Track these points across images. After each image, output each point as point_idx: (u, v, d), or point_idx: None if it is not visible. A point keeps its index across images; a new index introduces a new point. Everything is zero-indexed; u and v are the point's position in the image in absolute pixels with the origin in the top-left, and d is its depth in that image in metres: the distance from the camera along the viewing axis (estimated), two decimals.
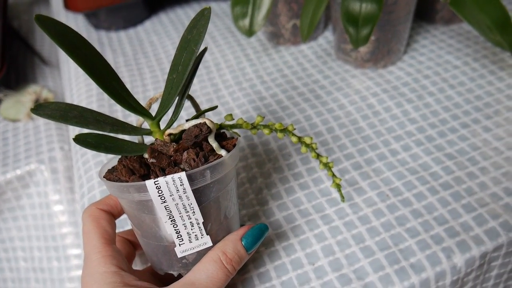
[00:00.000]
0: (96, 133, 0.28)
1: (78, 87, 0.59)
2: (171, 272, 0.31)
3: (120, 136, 0.31)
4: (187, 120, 0.31)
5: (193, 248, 0.30)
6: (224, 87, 0.55)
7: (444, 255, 0.35)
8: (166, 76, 0.58)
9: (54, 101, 0.28)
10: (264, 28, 0.61)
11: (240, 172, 0.44)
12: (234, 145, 0.31)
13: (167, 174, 0.28)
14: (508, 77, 0.51)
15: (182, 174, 0.27)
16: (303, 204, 0.40)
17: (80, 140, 0.27)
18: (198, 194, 0.29)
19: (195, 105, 0.35)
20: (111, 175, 0.30)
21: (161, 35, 0.67)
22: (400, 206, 0.39)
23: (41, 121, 0.61)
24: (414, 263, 0.35)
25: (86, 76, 0.60)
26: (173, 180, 0.27)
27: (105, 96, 0.56)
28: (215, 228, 0.31)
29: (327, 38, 0.61)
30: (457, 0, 0.43)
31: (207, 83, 0.56)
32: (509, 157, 0.42)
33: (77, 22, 0.72)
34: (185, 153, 0.29)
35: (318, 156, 0.35)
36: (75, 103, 0.58)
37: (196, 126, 0.30)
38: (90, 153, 0.49)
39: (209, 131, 0.30)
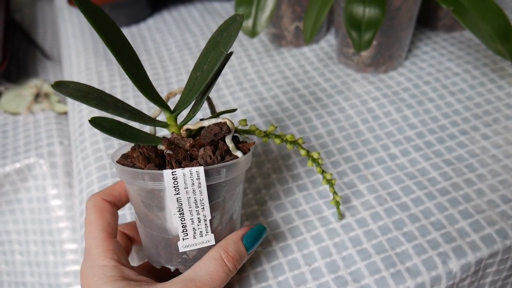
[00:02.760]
0: (111, 118, 0.28)
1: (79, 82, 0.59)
2: (169, 266, 0.31)
3: (137, 125, 0.31)
4: (201, 119, 0.32)
5: (196, 245, 0.30)
6: (225, 86, 0.55)
7: (440, 260, 0.35)
8: (167, 74, 0.58)
9: (74, 81, 0.28)
10: (267, 29, 0.62)
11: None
12: (250, 149, 0.32)
13: (183, 167, 0.28)
14: (508, 86, 0.51)
15: (200, 169, 0.28)
16: (301, 205, 0.41)
17: (95, 122, 0.27)
18: (210, 191, 0.29)
19: (211, 106, 0.35)
20: (125, 161, 0.31)
21: (164, 33, 0.67)
22: (398, 210, 0.39)
23: (41, 115, 0.61)
24: (410, 267, 0.35)
25: (89, 71, 0.60)
26: (191, 173, 0.28)
27: (107, 91, 0.56)
28: (220, 228, 0.31)
29: (329, 42, 0.62)
30: (460, 8, 0.44)
31: None
32: (507, 165, 0.42)
33: (80, 18, 0.72)
34: (201, 149, 0.30)
35: (323, 172, 0.36)
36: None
37: (216, 124, 0.30)
38: (89, 148, 0.49)
39: (229, 131, 0.30)
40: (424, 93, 0.51)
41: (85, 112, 0.54)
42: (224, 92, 0.55)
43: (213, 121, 0.30)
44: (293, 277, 0.35)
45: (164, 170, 0.28)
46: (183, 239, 0.29)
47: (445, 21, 0.61)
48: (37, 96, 0.63)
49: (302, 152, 0.35)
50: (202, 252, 0.30)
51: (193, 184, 0.28)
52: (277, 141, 0.35)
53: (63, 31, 0.72)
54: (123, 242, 0.34)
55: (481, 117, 0.48)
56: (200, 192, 0.28)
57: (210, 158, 0.29)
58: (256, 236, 0.32)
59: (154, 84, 0.56)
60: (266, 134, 0.35)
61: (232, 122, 0.31)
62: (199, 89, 0.31)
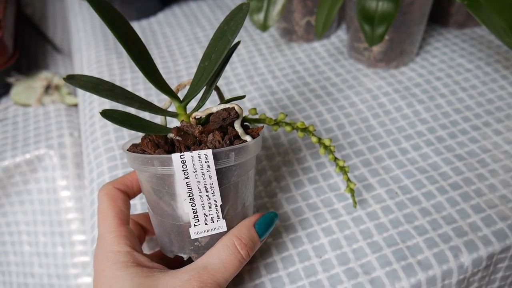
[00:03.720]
0: (122, 110, 0.29)
1: (90, 74, 0.59)
2: (181, 255, 0.31)
3: (147, 116, 0.31)
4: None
5: (207, 231, 0.30)
6: (235, 80, 0.55)
7: (451, 254, 0.35)
8: (177, 67, 0.58)
9: (85, 74, 0.29)
10: (278, 24, 0.62)
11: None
12: (259, 134, 0.32)
13: (192, 151, 0.29)
14: None
15: (209, 151, 0.28)
16: (311, 198, 0.41)
17: (106, 114, 0.27)
18: (220, 175, 0.29)
19: (220, 96, 0.35)
20: (135, 149, 0.31)
21: (174, 27, 0.67)
22: (409, 204, 0.39)
23: (51, 107, 0.62)
24: (421, 260, 0.35)
25: (99, 64, 0.60)
26: (199, 156, 0.28)
27: (117, 84, 0.56)
28: (231, 214, 0.31)
29: (340, 37, 0.62)
30: (474, 3, 0.43)
31: None
32: None
33: (90, 12, 0.73)
34: (210, 135, 0.30)
35: (335, 159, 0.35)
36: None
37: (224, 109, 0.30)
38: (100, 139, 0.49)
39: (237, 116, 0.30)
40: (435, 89, 0.51)
41: (95, 103, 0.54)
42: (235, 85, 0.55)
43: (222, 106, 0.31)
44: (303, 269, 0.35)
45: (172, 154, 0.28)
46: (195, 225, 0.29)
47: (456, 17, 0.60)
48: (48, 88, 0.63)
49: (314, 139, 0.35)
50: (214, 239, 0.30)
51: (202, 167, 0.28)
52: (288, 128, 0.35)
53: (73, 24, 0.72)
54: (137, 231, 0.34)
55: (493, 113, 0.47)
56: (210, 176, 0.28)
57: (219, 142, 0.29)
58: (269, 223, 0.32)
59: (164, 77, 0.57)
60: (277, 122, 0.35)
61: (240, 107, 0.31)
62: (207, 78, 0.31)
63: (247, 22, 0.66)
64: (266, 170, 0.43)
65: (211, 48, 0.32)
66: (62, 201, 0.56)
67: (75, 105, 0.63)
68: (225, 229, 0.30)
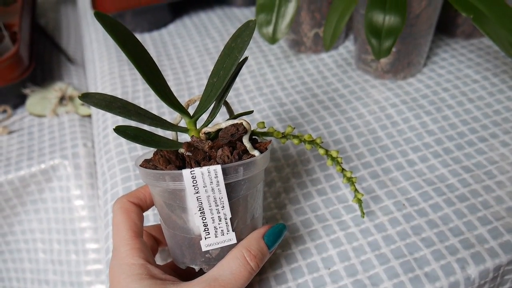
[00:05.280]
0: (135, 126, 0.30)
1: (103, 86, 0.61)
2: (193, 266, 0.32)
3: (159, 131, 0.32)
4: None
5: (218, 243, 0.31)
6: (245, 91, 0.56)
7: (458, 266, 0.36)
8: (188, 79, 0.60)
9: (99, 92, 0.30)
10: (286, 35, 0.63)
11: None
12: (267, 148, 0.33)
13: (202, 166, 0.29)
14: None
15: (218, 167, 0.29)
16: (320, 209, 0.41)
17: (120, 131, 0.29)
18: (229, 189, 0.30)
19: (229, 110, 0.36)
20: (147, 164, 0.32)
21: (185, 38, 0.69)
22: (416, 216, 0.40)
23: (65, 118, 0.63)
24: (429, 272, 0.35)
25: (112, 75, 0.61)
26: (209, 172, 0.29)
27: (130, 95, 0.58)
28: (241, 226, 0.32)
29: (347, 48, 0.62)
30: (480, 16, 0.44)
31: None
32: None
33: None
34: (219, 150, 0.31)
35: (342, 170, 0.36)
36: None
37: (233, 125, 0.31)
38: (113, 150, 0.50)
39: (245, 131, 0.31)
40: (443, 100, 0.52)
41: (108, 115, 0.56)
42: (244, 97, 0.56)
43: (230, 122, 0.32)
44: (312, 280, 0.36)
45: (183, 170, 0.29)
46: (205, 238, 0.30)
47: (464, 28, 0.61)
48: (62, 99, 0.65)
49: (321, 151, 0.35)
50: (225, 251, 0.31)
51: (212, 182, 0.29)
52: (296, 141, 0.35)
53: (86, 35, 0.74)
54: (150, 243, 0.35)
55: (500, 124, 0.48)
56: (219, 191, 0.29)
57: (228, 158, 0.30)
58: (277, 234, 0.33)
59: (175, 88, 0.58)
60: (284, 135, 0.36)
61: (248, 123, 0.32)
62: (216, 94, 0.32)
63: (256, 34, 0.67)
64: (275, 182, 0.44)
65: (219, 64, 0.33)
66: (76, 210, 0.57)
67: (89, 116, 0.64)
68: (235, 241, 0.31)
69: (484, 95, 0.52)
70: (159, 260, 0.40)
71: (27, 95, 0.65)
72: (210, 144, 0.31)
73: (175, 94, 0.58)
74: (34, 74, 0.67)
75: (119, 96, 0.58)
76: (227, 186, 0.30)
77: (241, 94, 0.56)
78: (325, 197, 0.42)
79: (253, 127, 0.38)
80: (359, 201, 0.37)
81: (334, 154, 0.36)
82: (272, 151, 0.48)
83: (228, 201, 0.30)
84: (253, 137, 0.35)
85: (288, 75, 0.58)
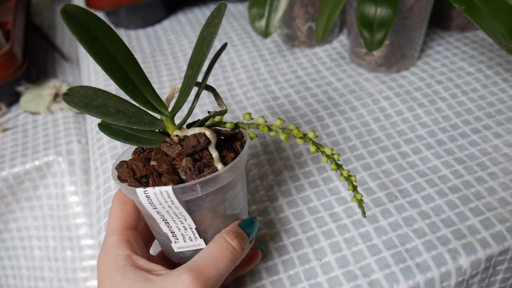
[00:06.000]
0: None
1: (96, 82, 0.61)
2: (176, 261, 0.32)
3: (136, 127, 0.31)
4: (189, 125, 0.32)
5: (188, 247, 0.31)
6: (238, 86, 0.56)
7: (449, 256, 0.36)
8: (182, 74, 0.60)
9: (85, 86, 0.29)
10: (280, 30, 0.63)
11: (252, 169, 0.45)
12: (234, 157, 0.30)
13: (161, 181, 0.28)
14: None
15: (169, 189, 0.27)
16: (312, 201, 0.41)
17: (103, 126, 0.28)
18: (190, 204, 0.29)
19: (217, 97, 0.33)
20: (119, 169, 0.31)
21: (179, 34, 0.69)
22: (408, 207, 0.40)
23: (59, 115, 0.63)
24: (420, 263, 0.35)
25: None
26: (161, 192, 0.27)
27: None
28: (213, 232, 0.31)
29: (341, 42, 0.62)
30: (472, 8, 0.44)
31: (222, 82, 0.57)
32: None
33: None
34: (184, 160, 0.29)
35: (338, 168, 0.33)
36: None
37: (194, 136, 0.29)
38: (107, 145, 0.50)
39: (208, 142, 0.29)
40: (436, 92, 0.52)
41: None
42: (238, 91, 0.56)
43: (197, 130, 0.29)
44: (303, 271, 0.36)
45: (137, 189, 0.28)
46: (175, 242, 0.30)
47: (458, 21, 0.61)
48: (56, 96, 0.65)
49: (312, 148, 0.32)
50: (197, 251, 0.31)
51: (166, 201, 0.28)
52: (282, 137, 0.32)
53: None
54: (146, 232, 0.35)
55: (493, 116, 0.48)
56: (176, 207, 0.28)
57: (190, 170, 0.28)
58: (250, 223, 0.32)
59: (169, 84, 0.58)
60: (271, 129, 0.33)
61: (212, 133, 0.29)
62: (190, 88, 0.30)
63: (249, 28, 0.67)
64: (268, 175, 0.44)
65: (194, 56, 0.31)
66: (70, 206, 0.57)
67: (83, 113, 0.64)
68: (204, 246, 0.31)
69: (477, 87, 0.52)
70: (155, 248, 0.40)
71: (21, 92, 0.65)
72: (179, 149, 0.29)
73: (169, 89, 0.58)
74: (28, 72, 0.67)
75: (113, 92, 0.57)
76: (187, 201, 0.28)
77: (234, 89, 0.56)
78: (317, 190, 0.42)
79: (241, 119, 0.37)
80: (359, 201, 0.34)
81: (328, 152, 0.33)
82: (265, 144, 0.48)
83: (190, 214, 0.29)
84: (237, 130, 0.33)
85: (281, 69, 0.58)
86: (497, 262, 0.37)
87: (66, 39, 0.80)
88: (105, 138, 0.51)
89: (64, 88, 0.65)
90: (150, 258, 0.32)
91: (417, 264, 0.35)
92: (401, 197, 0.41)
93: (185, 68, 0.61)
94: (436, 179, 0.42)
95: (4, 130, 0.62)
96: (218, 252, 0.29)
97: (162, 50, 0.65)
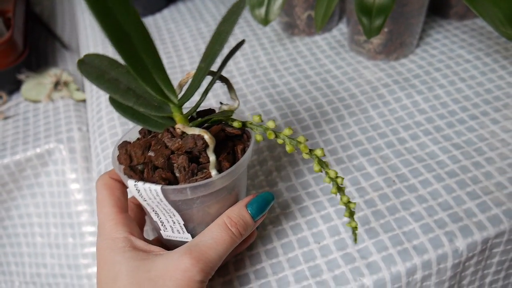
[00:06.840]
0: None
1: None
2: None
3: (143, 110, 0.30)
4: (203, 113, 0.32)
5: (176, 238, 0.31)
6: (238, 74, 0.57)
7: (446, 239, 0.36)
8: (182, 62, 0.60)
9: (101, 55, 0.28)
10: (280, 18, 0.63)
11: (252, 154, 0.45)
12: (232, 164, 0.30)
13: (155, 175, 0.28)
14: None
15: (158, 188, 0.27)
16: (311, 186, 0.42)
17: (113, 100, 0.28)
18: (179, 203, 0.29)
19: (230, 90, 0.33)
20: (120, 150, 0.31)
21: (179, 23, 0.69)
22: (406, 191, 0.40)
23: (60, 103, 0.63)
24: (417, 245, 0.36)
25: None
26: (150, 190, 0.27)
27: None
28: (201, 230, 0.31)
29: (341, 30, 0.62)
30: None
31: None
32: None
33: None
34: (180, 158, 0.28)
35: (339, 190, 0.31)
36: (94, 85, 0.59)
37: (193, 137, 0.28)
38: (107, 132, 0.50)
39: (205, 146, 0.28)
40: (434, 80, 0.52)
41: (102, 99, 0.56)
42: (237, 79, 0.56)
43: (197, 131, 0.28)
44: (302, 254, 0.36)
45: (128, 180, 0.28)
46: (164, 231, 0.31)
47: (457, 9, 0.61)
48: (57, 85, 0.65)
49: (316, 167, 0.31)
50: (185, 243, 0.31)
51: (155, 198, 0.28)
52: (288, 148, 0.30)
53: (81, 21, 0.74)
54: (137, 212, 0.35)
55: (491, 103, 0.48)
56: (165, 205, 0.28)
57: (184, 170, 0.28)
58: (261, 203, 0.32)
59: (169, 72, 0.58)
60: (277, 136, 0.31)
61: (211, 137, 0.28)
62: (201, 81, 0.29)
63: (249, 16, 0.67)
64: (267, 160, 0.45)
65: (209, 49, 0.30)
66: (71, 193, 0.58)
67: (83, 101, 0.64)
68: (191, 240, 0.30)
69: (476, 74, 0.52)
70: (151, 235, 0.40)
71: (22, 81, 0.65)
72: (179, 144, 0.29)
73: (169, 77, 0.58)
74: (29, 60, 0.67)
75: None
76: (177, 200, 0.28)
77: (234, 77, 0.56)
78: (316, 175, 0.43)
79: (245, 114, 0.37)
80: (354, 228, 0.34)
81: (332, 175, 0.31)
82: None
83: (179, 212, 0.29)
84: (246, 128, 0.32)
85: (281, 58, 0.59)
86: (493, 245, 0.38)
87: (66, 27, 0.80)
88: (106, 126, 0.51)
89: (64, 76, 0.65)
90: (149, 241, 0.33)
91: (414, 246, 0.36)
92: (399, 182, 0.41)
93: (185, 56, 0.61)
94: (434, 164, 0.42)
95: (6, 118, 0.62)
96: (218, 235, 0.29)
97: (162, 39, 0.66)
